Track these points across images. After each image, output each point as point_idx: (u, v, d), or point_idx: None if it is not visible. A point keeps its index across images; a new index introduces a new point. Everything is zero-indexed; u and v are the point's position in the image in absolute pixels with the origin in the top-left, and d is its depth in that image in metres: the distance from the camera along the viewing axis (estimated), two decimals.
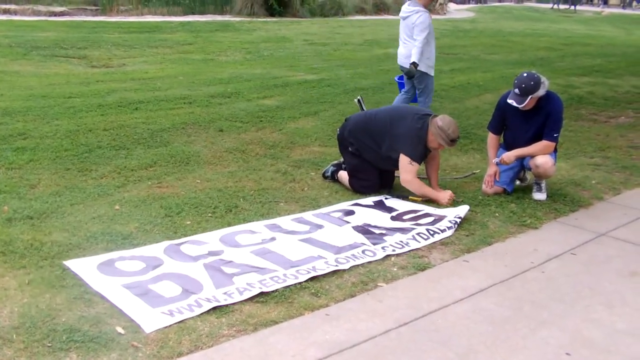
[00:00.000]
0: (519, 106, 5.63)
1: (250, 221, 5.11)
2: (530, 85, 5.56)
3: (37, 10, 23.76)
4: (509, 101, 5.69)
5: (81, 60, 13.38)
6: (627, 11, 49.89)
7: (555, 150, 5.96)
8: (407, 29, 7.66)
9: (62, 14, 23.71)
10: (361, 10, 31.46)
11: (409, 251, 4.67)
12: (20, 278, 3.99)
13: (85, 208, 5.22)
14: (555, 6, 50.29)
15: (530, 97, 5.58)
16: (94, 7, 25.34)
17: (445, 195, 5.69)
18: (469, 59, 15.96)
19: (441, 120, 5.60)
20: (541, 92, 5.61)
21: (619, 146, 8.03)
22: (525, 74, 5.66)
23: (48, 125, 7.56)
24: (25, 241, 4.51)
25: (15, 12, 23.27)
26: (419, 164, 5.78)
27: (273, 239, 4.79)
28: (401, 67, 7.81)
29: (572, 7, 48.74)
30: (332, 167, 6.25)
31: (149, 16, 23.60)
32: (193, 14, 24.62)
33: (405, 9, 7.72)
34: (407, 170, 5.66)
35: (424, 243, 4.80)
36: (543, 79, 5.64)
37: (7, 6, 24.05)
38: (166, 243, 4.61)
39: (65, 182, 5.77)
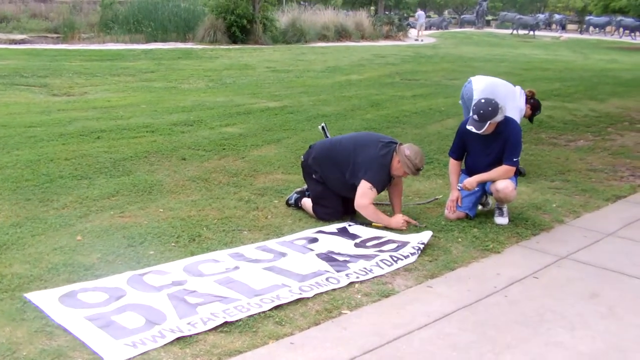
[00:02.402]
0: (478, 132, 5.70)
1: (213, 250, 5.09)
2: (488, 111, 5.65)
3: None
4: (468, 127, 5.76)
5: (42, 89, 13.29)
6: (585, 36, 51.12)
7: (516, 174, 6.04)
8: None
9: (22, 41, 23.57)
10: (323, 37, 31.76)
11: (373, 278, 4.68)
12: None
13: (47, 239, 5.16)
14: (515, 32, 51.33)
15: (489, 122, 5.65)
16: (55, 35, 25.26)
17: (396, 219, 5.73)
18: (430, 84, 16.16)
19: (409, 149, 5.66)
20: (499, 117, 5.70)
21: (579, 169, 8.16)
22: (483, 100, 5.75)
23: (8, 155, 7.49)
24: None
25: None
26: (379, 192, 5.82)
27: (237, 267, 4.77)
28: None
29: (531, 33, 49.79)
30: (295, 195, 6.26)
31: (110, 44, 23.55)
32: (155, 41, 24.65)
33: None
34: (365, 194, 5.68)
35: (387, 269, 4.82)
36: (501, 104, 5.73)
37: None
38: (129, 273, 4.57)
39: (26, 213, 5.71)
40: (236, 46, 24.49)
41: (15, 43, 23.19)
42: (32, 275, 4.46)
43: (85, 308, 4.04)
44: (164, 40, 24.91)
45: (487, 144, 5.88)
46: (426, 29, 48.66)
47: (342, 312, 4.17)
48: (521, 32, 51.08)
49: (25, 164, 7.12)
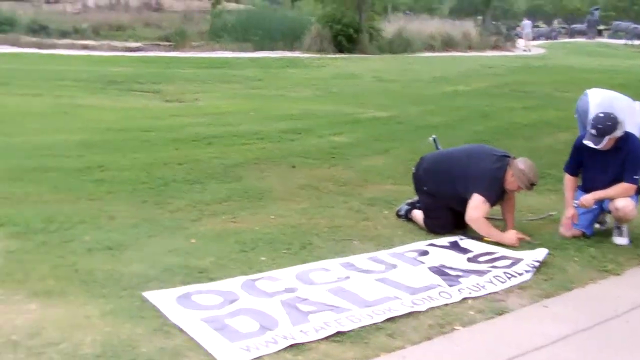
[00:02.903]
0: (596, 147, 5.52)
1: (324, 259, 5.10)
2: (607, 126, 5.46)
3: (113, 46, 24.51)
4: (586, 142, 5.59)
5: (156, 95, 13.71)
6: None
7: (637, 193, 5.81)
8: None
9: (137, 49, 24.39)
10: (429, 47, 31.55)
11: (486, 294, 4.60)
12: (101, 307, 4.06)
13: (162, 240, 5.30)
14: (629, 42, 49.36)
15: (607, 137, 5.47)
16: (167, 43, 26.01)
17: (509, 235, 5.61)
18: (541, 96, 15.81)
19: (523, 163, 5.55)
20: (619, 132, 5.50)
21: None
22: (602, 114, 5.56)
23: (125, 158, 7.76)
24: (105, 271, 4.60)
25: (93, 48, 24.04)
26: (492, 205, 5.71)
27: (348, 277, 4.78)
28: None
29: None
30: (406, 206, 6.22)
31: (220, 52, 24.08)
32: (263, 50, 25.03)
33: None
34: (477, 208, 5.59)
35: (501, 286, 4.72)
36: (620, 118, 5.53)
37: (86, 42, 24.90)
38: (242, 278, 4.64)
39: (143, 215, 5.89)
40: (342, 55, 24.64)
41: (131, 50, 24.04)
42: (149, 275, 4.58)
43: (201, 310, 4.12)
44: (271, 49, 25.30)
45: (605, 160, 5.68)
46: (534, 39, 47.58)
47: (455, 327, 4.10)
48: (636, 42, 49.14)
49: (141, 167, 7.35)
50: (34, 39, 25.63)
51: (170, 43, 26.05)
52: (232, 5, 38.90)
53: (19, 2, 31.59)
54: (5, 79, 15.31)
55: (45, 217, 5.64)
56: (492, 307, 4.41)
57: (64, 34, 26.84)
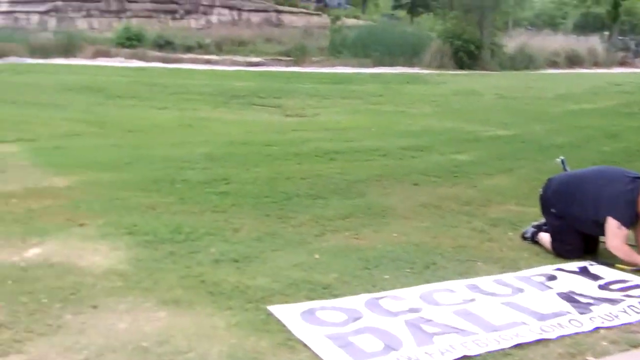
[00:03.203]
0: None
1: (448, 279, 5.01)
2: None
3: (235, 61, 25.13)
4: None
5: (277, 109, 13.94)
6: None
7: None
8: None
9: (258, 64, 24.91)
10: (553, 64, 30.78)
11: (620, 325, 4.38)
12: (227, 319, 4.12)
13: (286, 255, 5.34)
14: None
15: None
16: (287, 58, 26.44)
17: None
18: None
19: None
20: None
21: None
22: None
23: (248, 171, 7.89)
24: (231, 283, 4.67)
25: (216, 62, 24.74)
26: (628, 229, 5.47)
27: (473, 299, 4.67)
28: None
29: None
30: (532, 228, 6.04)
31: (339, 67, 24.27)
32: (383, 65, 25.05)
33: None
34: (615, 235, 5.36)
35: (636, 317, 4.49)
36: None
37: (209, 56, 25.65)
38: (366, 296, 4.61)
39: (266, 228, 5.96)
40: (463, 72, 24.36)
41: (252, 65, 24.60)
42: (273, 289, 4.62)
43: (325, 326, 4.11)
44: (391, 65, 25.30)
45: None
46: None
47: (587, 358, 3.93)
48: None
49: (264, 181, 7.46)
50: (160, 54, 26.65)
51: (291, 58, 26.48)
52: (352, 21, 39.23)
53: (147, 19, 32.95)
54: (133, 92, 15.97)
55: (172, 228, 5.80)
56: (627, 338, 4.20)
57: (188, 49, 27.77)
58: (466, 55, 26.29)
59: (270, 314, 4.22)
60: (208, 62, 25.06)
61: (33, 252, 5.23)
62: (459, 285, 4.90)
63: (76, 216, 6.21)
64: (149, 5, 34.78)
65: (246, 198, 6.82)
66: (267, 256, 5.28)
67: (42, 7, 32.22)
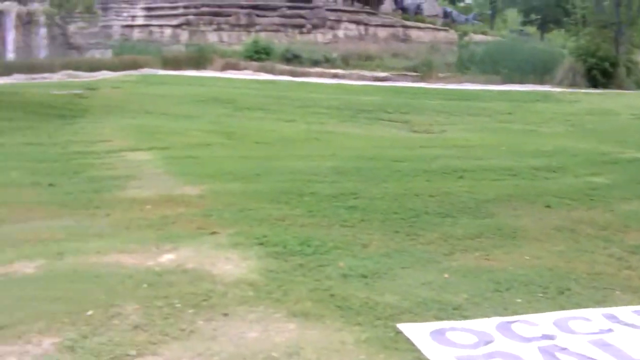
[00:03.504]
0: None
1: (584, 307, 4.80)
2: None
3: (362, 75, 25.25)
4: None
5: (404, 125, 13.89)
6: None
7: None
8: None
9: (384, 79, 24.93)
10: None
11: None
12: (356, 334, 4.10)
13: (415, 272, 5.27)
14: None
15: None
16: (413, 73, 26.33)
17: None
18: None
19: None
20: None
21: None
22: None
23: (377, 187, 7.87)
24: (360, 299, 4.64)
25: (342, 76, 24.93)
26: None
27: (610, 330, 4.45)
28: None
29: None
30: None
31: (467, 84, 23.95)
32: (512, 83, 24.53)
33: None
34: None
35: None
36: None
37: (336, 70, 25.89)
38: (497, 319, 4.48)
39: (395, 245, 5.91)
40: (596, 90, 23.49)
41: (379, 80, 24.64)
42: (402, 307, 4.56)
43: (455, 348, 4.03)
44: (520, 82, 24.72)
45: None
46: None
47: None
48: None
49: (392, 197, 7.41)
50: (287, 67, 27.12)
51: (417, 74, 26.36)
52: (479, 37, 38.72)
53: (275, 33, 33.61)
54: (261, 105, 16.29)
55: (301, 240, 5.84)
56: None
57: (315, 63, 28.13)
58: (600, 73, 25.34)
59: (399, 332, 4.17)
60: (335, 76, 25.28)
61: (167, 258, 5.39)
62: (596, 314, 4.69)
63: (208, 224, 6.36)
64: (277, 20, 35.48)
65: (375, 213, 6.79)
66: (396, 273, 5.23)
67: (175, 21, 33.45)
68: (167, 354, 3.82)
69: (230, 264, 5.25)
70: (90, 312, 4.32)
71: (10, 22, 28.89)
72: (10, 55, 28.52)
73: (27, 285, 4.82)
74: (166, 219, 6.58)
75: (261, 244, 5.73)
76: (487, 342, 4.13)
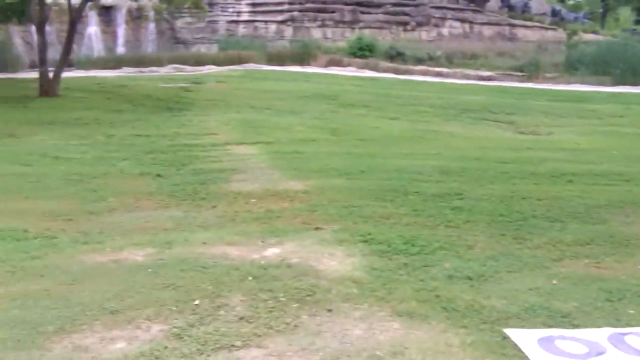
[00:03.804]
0: None
1: None
2: None
3: (466, 74, 24.90)
4: None
5: (509, 126, 13.62)
6: None
7: None
8: None
9: (489, 78, 24.51)
10: None
11: None
12: (462, 337, 4.04)
13: (522, 277, 5.15)
14: None
15: None
16: (520, 73, 25.77)
17: None
18: None
19: None
20: None
21: None
22: None
23: (482, 188, 7.73)
24: (465, 301, 4.57)
25: (446, 75, 24.66)
26: None
27: None
28: None
29: None
30: None
31: (576, 85, 23.27)
32: (624, 84, 23.65)
33: None
34: None
35: None
36: None
37: (440, 69, 25.63)
38: (609, 330, 4.32)
39: (501, 248, 5.78)
40: None
41: (483, 79, 24.24)
42: (510, 311, 4.46)
43: (564, 357, 3.91)
44: (633, 84, 23.78)
45: None
46: None
47: None
48: None
49: (499, 199, 7.27)
50: (391, 64, 27.01)
51: (523, 73, 25.75)
52: (590, 36, 37.56)
53: (379, 30, 33.54)
54: (364, 101, 16.29)
55: (406, 239, 5.80)
56: None
57: (419, 61, 27.91)
58: None
59: (506, 337, 4.08)
60: (439, 74, 25.03)
61: (272, 252, 5.46)
62: None
63: (312, 220, 6.40)
64: (382, 17, 35.41)
65: (480, 215, 6.67)
66: (502, 277, 5.11)
67: (280, 17, 33.83)
68: (271, 347, 3.85)
69: (335, 260, 5.26)
70: (197, 302, 4.41)
71: (121, 17, 29.84)
72: (120, 49, 29.47)
73: (136, 273, 4.96)
74: (271, 213, 6.66)
75: (365, 241, 5.72)
76: (599, 354, 3.99)
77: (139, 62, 25.80)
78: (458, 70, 26.02)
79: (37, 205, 7.03)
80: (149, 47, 30.44)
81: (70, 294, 4.57)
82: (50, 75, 16.81)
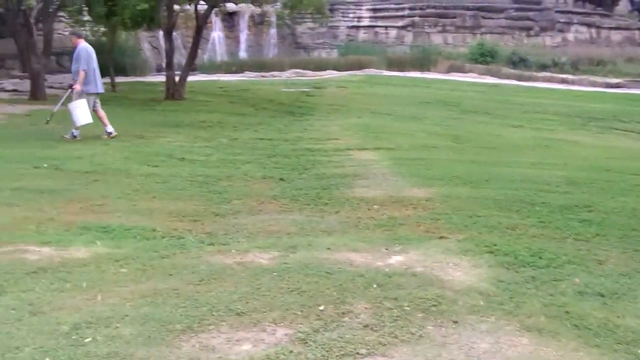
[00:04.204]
0: None
1: None
2: None
3: (593, 81, 24.12)
4: None
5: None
6: None
7: None
8: None
9: (617, 85, 23.66)
10: None
11: None
12: (594, 357, 3.88)
13: None
14: None
15: None
16: None
17: None
18: None
19: None
20: None
21: None
22: None
23: (613, 200, 7.44)
24: (597, 319, 4.39)
25: (572, 82, 23.94)
26: None
27: None
28: None
29: None
30: None
31: None
32: None
33: None
34: None
35: None
36: None
37: (565, 76, 24.90)
38: None
39: (635, 264, 5.52)
40: None
41: (611, 87, 23.40)
42: None
43: None
44: None
45: None
46: None
47: None
48: None
49: (631, 213, 6.97)
50: (513, 71, 26.48)
51: None
52: None
53: (501, 35, 32.90)
54: (486, 108, 16.03)
55: (533, 252, 5.63)
56: None
57: (542, 67, 27.22)
58: None
59: None
60: (563, 81, 24.33)
61: (396, 260, 5.42)
62: None
63: (436, 228, 6.33)
64: (504, 22, 34.71)
65: (611, 229, 6.40)
66: (637, 295, 4.88)
67: (401, 22, 33.72)
68: (396, 356, 3.82)
69: (460, 271, 5.17)
70: (322, 307, 4.43)
71: (244, 22, 30.58)
72: (243, 54, 30.21)
73: (262, 276, 5.03)
74: (394, 220, 6.63)
75: (491, 252, 5.59)
76: None
77: (261, 66, 26.35)
78: (584, 77, 25.20)
79: (164, 205, 7.26)
80: (270, 51, 31.06)
81: (197, 293, 4.67)
82: (176, 78, 17.38)
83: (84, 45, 11.41)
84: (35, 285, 4.77)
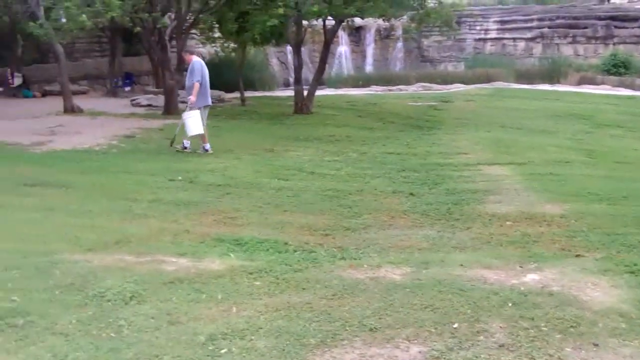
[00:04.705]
0: None
1: None
2: None
3: None
4: None
5: None
6: None
7: None
8: None
9: None
10: None
11: None
12: None
13: None
14: None
15: None
16: None
17: None
18: None
19: None
20: None
21: None
22: None
23: None
24: None
25: None
26: None
27: None
28: None
29: None
30: None
31: None
32: None
33: None
34: None
35: None
36: None
37: None
38: None
39: None
40: None
41: None
42: None
43: None
44: None
45: None
46: None
47: None
48: None
49: None
50: None
51: None
52: None
53: (635, 45, 31.56)
54: (620, 122, 15.54)
55: None
56: None
57: None
58: None
59: None
60: None
61: (531, 278, 5.31)
62: None
63: (571, 246, 6.17)
64: (638, 31, 33.28)
65: None
66: None
67: (529, 34, 32.90)
68: None
69: (599, 291, 5.01)
70: (455, 325, 4.39)
71: (371, 36, 30.73)
72: (369, 68, 30.34)
73: (394, 291, 5.04)
74: (527, 237, 6.50)
75: (632, 272, 5.39)
76: None
77: (387, 80, 26.36)
78: None
79: (295, 218, 7.39)
80: (397, 65, 31.05)
81: (330, 308, 4.72)
82: (305, 93, 17.66)
83: (197, 60, 11.78)
84: (173, 295, 4.93)
